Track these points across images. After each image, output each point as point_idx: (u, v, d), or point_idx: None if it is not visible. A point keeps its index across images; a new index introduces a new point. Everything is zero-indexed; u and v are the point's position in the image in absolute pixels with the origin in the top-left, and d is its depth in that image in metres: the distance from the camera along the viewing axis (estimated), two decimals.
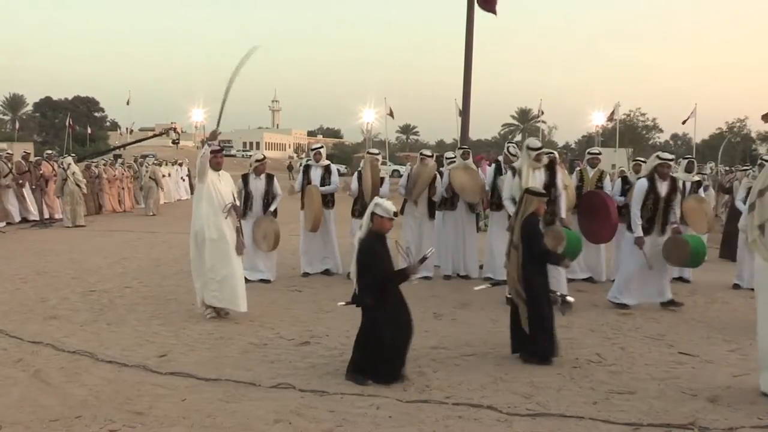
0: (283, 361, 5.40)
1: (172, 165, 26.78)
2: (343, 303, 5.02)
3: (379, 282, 4.74)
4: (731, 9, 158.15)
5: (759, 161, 9.19)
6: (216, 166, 6.67)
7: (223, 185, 6.70)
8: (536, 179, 7.15)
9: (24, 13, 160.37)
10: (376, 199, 4.89)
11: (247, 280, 8.63)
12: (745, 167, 13.73)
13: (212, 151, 6.57)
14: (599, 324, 6.65)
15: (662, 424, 4.14)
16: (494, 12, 12.03)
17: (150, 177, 19.30)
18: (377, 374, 4.76)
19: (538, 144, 7.40)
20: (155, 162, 21.61)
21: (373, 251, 4.74)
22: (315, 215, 8.68)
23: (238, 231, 6.87)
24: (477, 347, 5.83)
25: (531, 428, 4.11)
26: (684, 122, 37.09)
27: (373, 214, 4.78)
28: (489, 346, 5.86)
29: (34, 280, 8.83)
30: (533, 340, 5.30)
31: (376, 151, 9.58)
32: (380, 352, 4.73)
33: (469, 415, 4.28)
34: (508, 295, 5.72)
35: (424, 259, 4.95)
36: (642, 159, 9.62)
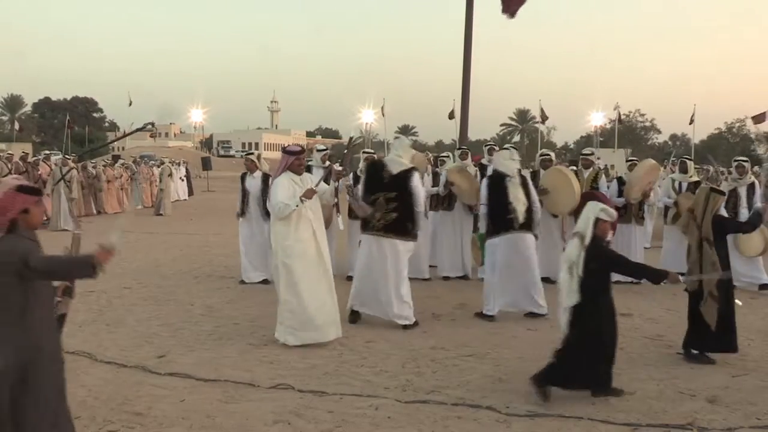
0: (282, 361, 5.40)
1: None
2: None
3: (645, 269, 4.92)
4: (730, 9, 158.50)
5: (735, 162, 9.17)
6: (297, 170, 5.89)
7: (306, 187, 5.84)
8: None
9: (22, 13, 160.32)
10: (599, 205, 4.67)
11: (244, 282, 8.69)
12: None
13: (293, 153, 5.90)
14: None
15: (661, 425, 4.15)
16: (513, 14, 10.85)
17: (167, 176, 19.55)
18: (596, 380, 4.54)
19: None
20: (170, 163, 21.94)
21: (612, 252, 4.73)
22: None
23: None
24: (476, 347, 5.84)
25: (530, 428, 4.12)
26: (691, 122, 37.62)
27: (597, 219, 4.53)
28: (488, 347, 5.87)
29: None
30: (721, 335, 5.35)
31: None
32: (602, 353, 4.55)
33: (468, 416, 4.29)
34: (688, 290, 5.57)
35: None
36: (636, 159, 9.65)
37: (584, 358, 4.49)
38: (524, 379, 4.99)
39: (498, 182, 6.86)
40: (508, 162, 6.95)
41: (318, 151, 9.25)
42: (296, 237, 5.72)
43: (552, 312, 7.19)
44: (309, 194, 5.68)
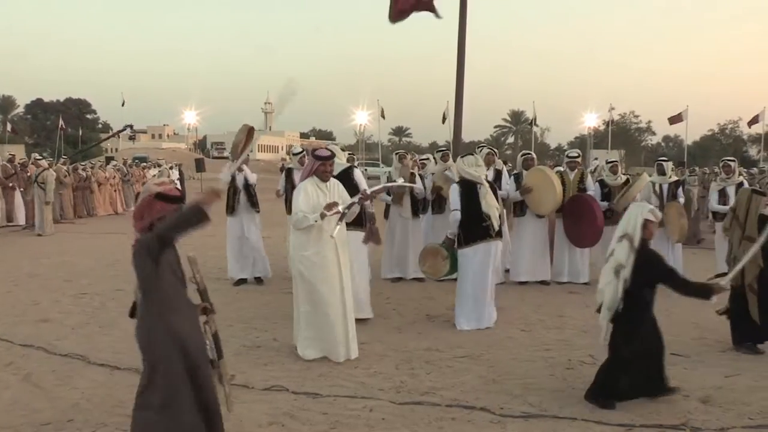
0: (276, 363, 5.39)
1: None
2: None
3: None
4: (726, 11, 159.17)
5: (722, 162, 9.29)
6: (323, 176, 5.57)
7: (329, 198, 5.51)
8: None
9: (16, 14, 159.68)
10: (646, 205, 4.52)
11: (241, 281, 8.69)
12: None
13: (320, 157, 5.56)
14: (592, 325, 6.66)
15: (654, 425, 4.16)
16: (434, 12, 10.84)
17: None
18: (650, 386, 4.53)
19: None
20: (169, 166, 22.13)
21: (665, 266, 4.51)
22: None
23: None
24: (470, 349, 5.84)
25: (524, 429, 4.13)
26: (671, 123, 34.43)
27: (645, 221, 4.38)
28: (482, 348, 5.87)
29: (25, 282, 8.78)
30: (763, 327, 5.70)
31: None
32: (650, 359, 4.56)
33: (462, 417, 4.29)
34: (730, 285, 5.46)
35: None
36: (616, 161, 9.61)
37: (632, 368, 4.45)
38: (519, 380, 5.01)
39: (469, 189, 6.62)
40: (473, 169, 6.63)
41: (294, 155, 9.19)
42: (316, 248, 5.40)
43: (538, 312, 7.22)
44: (331, 208, 5.28)
